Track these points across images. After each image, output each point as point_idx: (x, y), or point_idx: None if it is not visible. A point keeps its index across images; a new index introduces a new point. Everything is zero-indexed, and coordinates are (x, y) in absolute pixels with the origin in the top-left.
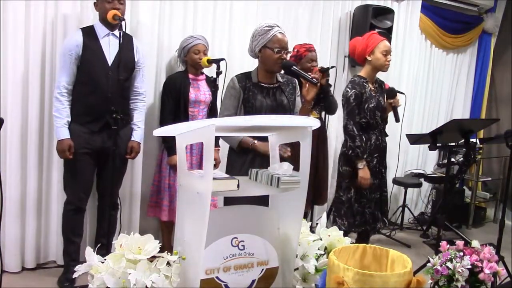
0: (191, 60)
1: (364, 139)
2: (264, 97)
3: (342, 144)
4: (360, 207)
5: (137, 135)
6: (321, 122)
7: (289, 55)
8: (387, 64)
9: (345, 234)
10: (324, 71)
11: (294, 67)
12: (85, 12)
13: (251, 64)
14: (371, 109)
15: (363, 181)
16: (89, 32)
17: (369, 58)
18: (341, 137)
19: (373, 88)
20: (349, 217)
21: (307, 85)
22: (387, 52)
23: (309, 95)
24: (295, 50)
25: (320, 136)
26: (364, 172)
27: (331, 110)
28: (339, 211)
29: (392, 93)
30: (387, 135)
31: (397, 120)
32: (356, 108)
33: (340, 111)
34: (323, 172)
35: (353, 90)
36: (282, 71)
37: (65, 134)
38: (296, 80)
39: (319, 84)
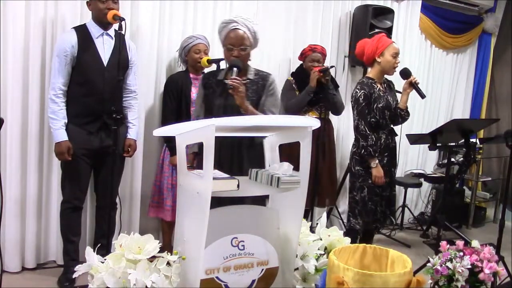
0: (191, 59)
1: (374, 138)
2: (222, 95)
3: (353, 144)
4: (373, 205)
5: (133, 132)
6: (326, 123)
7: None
8: (396, 66)
9: (357, 233)
10: (324, 71)
11: (235, 68)
12: (85, 12)
13: (251, 63)
14: (380, 109)
15: (378, 180)
16: (82, 32)
17: (378, 60)
18: (344, 139)
19: (381, 89)
20: (363, 216)
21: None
22: (396, 55)
23: (237, 100)
24: (304, 49)
25: (321, 137)
26: (377, 171)
27: (336, 110)
28: (353, 211)
29: (406, 73)
30: (396, 135)
31: (422, 96)
32: (366, 108)
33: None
34: (331, 174)
35: (362, 91)
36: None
37: (63, 136)
38: (271, 78)
39: (233, 90)
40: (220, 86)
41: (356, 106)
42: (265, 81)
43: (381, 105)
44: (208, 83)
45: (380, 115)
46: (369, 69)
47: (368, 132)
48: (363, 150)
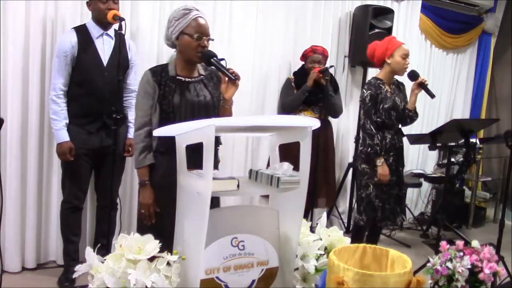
0: None
1: (379, 137)
2: (183, 93)
3: (359, 143)
4: (381, 203)
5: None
6: (325, 123)
7: (211, 42)
8: (406, 67)
9: (364, 230)
10: (323, 71)
11: (215, 58)
12: (85, 12)
13: (252, 64)
14: (386, 110)
15: (382, 177)
16: (82, 32)
17: (388, 61)
18: (343, 139)
19: (389, 90)
20: (368, 213)
21: (226, 80)
22: (406, 56)
23: (227, 92)
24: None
25: (319, 138)
26: (382, 169)
27: (333, 112)
28: (359, 208)
29: (414, 75)
30: (404, 135)
31: (432, 96)
32: (372, 108)
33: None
34: (328, 174)
35: (369, 91)
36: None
37: (64, 136)
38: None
39: (237, 81)
40: (176, 82)
41: (363, 106)
42: (218, 77)
43: (387, 105)
44: (163, 80)
45: (386, 116)
46: (376, 70)
47: (374, 131)
48: (369, 149)
